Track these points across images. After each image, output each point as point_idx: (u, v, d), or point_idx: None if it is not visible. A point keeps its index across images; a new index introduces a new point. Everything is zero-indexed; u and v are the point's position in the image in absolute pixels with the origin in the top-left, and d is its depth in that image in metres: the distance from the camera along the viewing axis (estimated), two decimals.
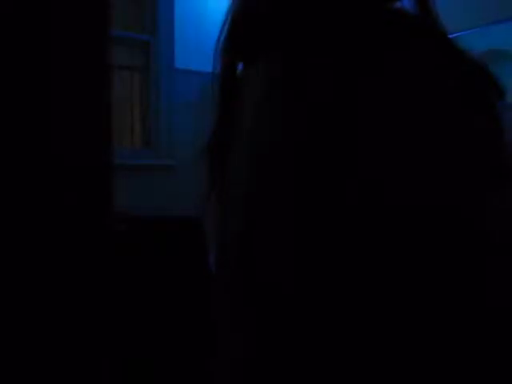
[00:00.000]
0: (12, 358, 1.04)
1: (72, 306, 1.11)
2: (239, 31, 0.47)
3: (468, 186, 0.32)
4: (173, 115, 3.19)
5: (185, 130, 3.15)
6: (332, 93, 0.34)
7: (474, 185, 0.33)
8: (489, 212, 0.32)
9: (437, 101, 0.33)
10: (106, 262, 1.17)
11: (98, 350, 1.15)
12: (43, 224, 1.07)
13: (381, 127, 0.32)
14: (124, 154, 2.92)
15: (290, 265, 0.36)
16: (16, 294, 1.05)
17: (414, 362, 0.32)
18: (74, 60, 1.12)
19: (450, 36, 0.38)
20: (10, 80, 1.04)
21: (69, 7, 1.10)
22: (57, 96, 1.10)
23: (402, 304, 0.32)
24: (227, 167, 0.46)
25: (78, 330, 1.12)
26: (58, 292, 1.09)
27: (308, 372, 0.35)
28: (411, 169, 0.32)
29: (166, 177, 3.13)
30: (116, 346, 1.28)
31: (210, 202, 0.51)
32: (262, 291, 0.38)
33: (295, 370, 0.36)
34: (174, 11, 3.21)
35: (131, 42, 3.15)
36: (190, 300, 1.97)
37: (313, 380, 0.35)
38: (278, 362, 0.37)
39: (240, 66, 0.49)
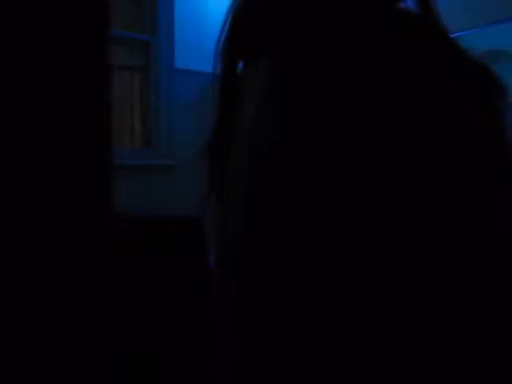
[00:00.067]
0: (12, 357, 1.04)
1: (72, 305, 1.11)
2: (239, 31, 0.47)
3: (468, 186, 0.32)
4: (173, 115, 3.19)
5: (185, 129, 3.15)
6: (332, 93, 0.34)
7: (474, 185, 0.33)
8: (489, 212, 0.32)
9: (437, 101, 0.33)
10: (106, 262, 1.17)
11: (98, 349, 1.15)
12: (43, 224, 1.07)
13: (381, 127, 0.32)
14: (124, 154, 2.92)
15: (290, 265, 0.36)
16: (16, 294, 1.05)
17: (414, 362, 0.32)
18: (74, 60, 1.12)
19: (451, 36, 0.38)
20: (10, 80, 1.04)
21: (69, 7, 1.10)
22: (57, 96, 1.10)
23: (402, 304, 0.32)
24: (227, 167, 0.46)
25: (78, 329, 1.12)
26: (58, 292, 1.09)
27: (308, 372, 0.35)
28: (411, 169, 0.32)
29: (166, 177, 3.13)
30: (116, 345, 1.28)
31: (210, 202, 0.51)
32: (261, 291, 0.38)
33: (295, 369, 0.36)
34: (174, 11, 3.22)
35: (131, 42, 3.15)
36: (190, 300, 1.97)
37: (313, 380, 0.35)
38: (278, 361, 0.37)
39: (240, 66, 0.49)
